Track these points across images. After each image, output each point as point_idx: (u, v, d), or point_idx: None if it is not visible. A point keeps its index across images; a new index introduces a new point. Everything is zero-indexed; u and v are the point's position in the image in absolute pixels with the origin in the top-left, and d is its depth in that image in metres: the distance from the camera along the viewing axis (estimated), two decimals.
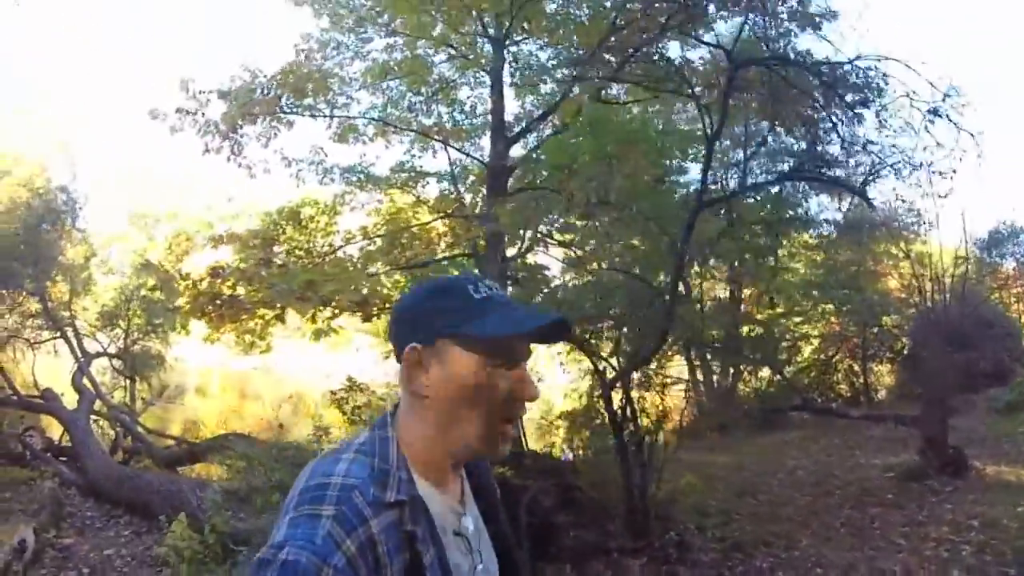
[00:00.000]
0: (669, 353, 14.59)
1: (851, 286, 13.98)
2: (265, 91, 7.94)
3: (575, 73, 8.69)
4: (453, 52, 9.55)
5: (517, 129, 9.51)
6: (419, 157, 9.90)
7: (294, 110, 8.30)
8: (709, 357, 14.45)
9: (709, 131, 6.90)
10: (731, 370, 14.43)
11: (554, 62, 9.79)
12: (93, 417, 8.92)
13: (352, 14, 9.33)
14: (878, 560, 5.46)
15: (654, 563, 5.30)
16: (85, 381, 9.21)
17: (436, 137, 9.06)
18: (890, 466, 8.35)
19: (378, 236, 9.36)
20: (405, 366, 1.04)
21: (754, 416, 12.88)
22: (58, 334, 10.01)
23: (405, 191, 9.86)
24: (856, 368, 15.54)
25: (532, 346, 1.10)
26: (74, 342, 9.90)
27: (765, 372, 15.11)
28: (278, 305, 8.25)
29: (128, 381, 10.38)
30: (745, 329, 14.77)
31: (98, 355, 10.44)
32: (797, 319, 15.25)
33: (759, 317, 14.85)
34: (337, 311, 7.89)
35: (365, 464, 0.99)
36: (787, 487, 8.07)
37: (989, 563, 5.16)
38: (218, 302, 8.26)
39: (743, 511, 7.08)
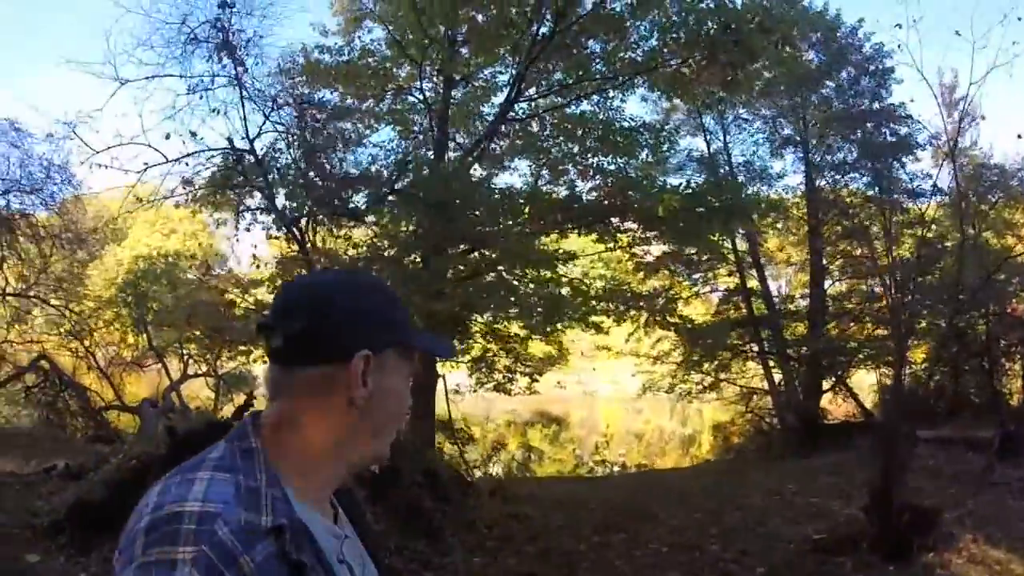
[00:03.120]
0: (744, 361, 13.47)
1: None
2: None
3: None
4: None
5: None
6: None
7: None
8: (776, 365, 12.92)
9: None
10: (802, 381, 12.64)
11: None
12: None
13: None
14: None
15: None
16: (173, 395, 12.03)
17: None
18: (838, 524, 6.84)
19: None
20: (347, 373, 0.92)
21: (794, 436, 11.22)
22: (158, 361, 13.08)
23: None
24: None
25: None
26: (172, 366, 12.98)
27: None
28: None
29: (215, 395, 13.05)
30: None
31: (193, 376, 13.32)
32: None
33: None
34: None
35: (226, 483, 0.82)
36: (675, 532, 7.23)
37: None
38: None
39: (563, 548, 6.61)
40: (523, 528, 7.18)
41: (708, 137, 13.89)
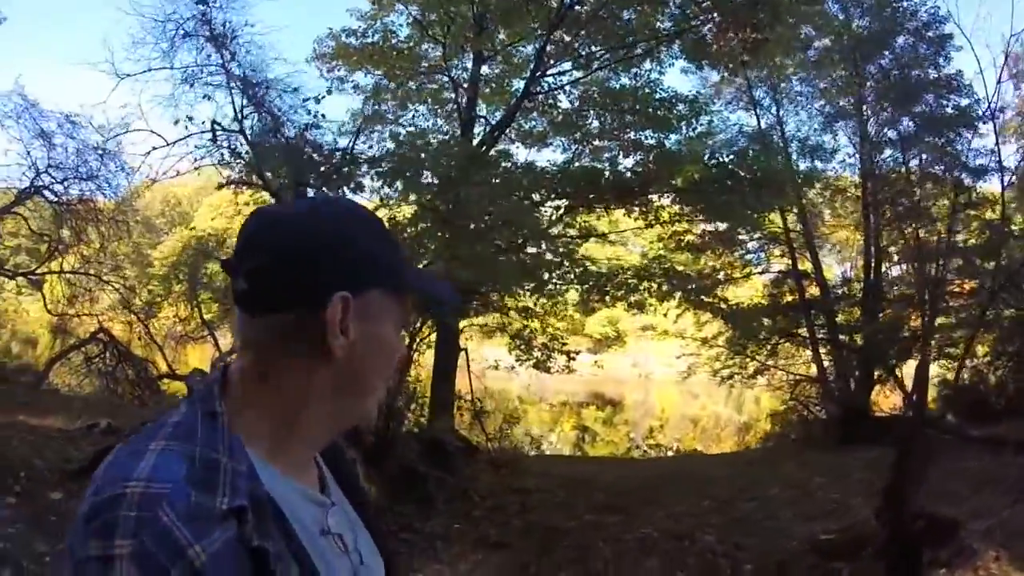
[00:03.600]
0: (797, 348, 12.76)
1: None
2: None
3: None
4: None
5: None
6: None
7: None
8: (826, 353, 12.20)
9: None
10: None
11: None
12: None
13: None
14: None
15: None
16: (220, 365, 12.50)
17: None
18: (853, 524, 6.20)
19: None
20: (321, 319, 0.77)
21: (837, 427, 10.53)
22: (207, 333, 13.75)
23: None
24: None
25: None
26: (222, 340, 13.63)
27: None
28: None
29: None
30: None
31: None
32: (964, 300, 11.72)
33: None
34: None
35: (178, 456, 0.69)
36: (673, 519, 6.86)
37: None
38: None
39: (550, 524, 6.45)
40: (518, 501, 7.17)
41: (758, 111, 13.20)
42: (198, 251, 13.06)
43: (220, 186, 9.34)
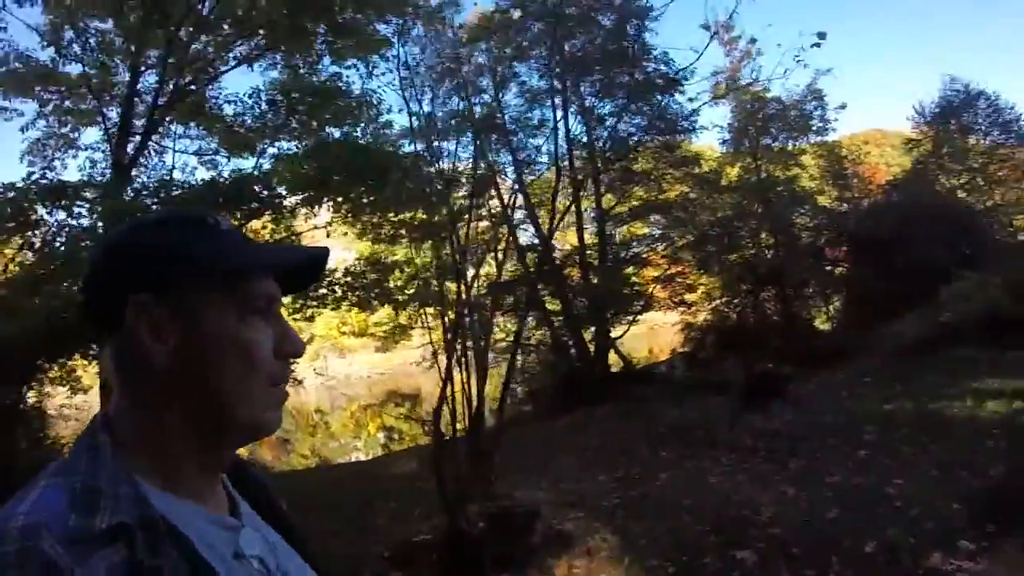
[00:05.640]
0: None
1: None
2: None
3: None
4: None
5: None
6: None
7: None
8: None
9: None
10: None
11: None
12: None
13: None
14: None
15: None
16: None
17: None
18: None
19: None
20: (133, 327, 0.74)
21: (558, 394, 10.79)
22: None
23: None
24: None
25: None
26: None
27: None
28: None
29: None
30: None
31: None
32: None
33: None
34: None
35: (60, 488, 0.68)
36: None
37: None
38: None
39: None
40: None
41: (469, 96, 13.22)
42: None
43: None
